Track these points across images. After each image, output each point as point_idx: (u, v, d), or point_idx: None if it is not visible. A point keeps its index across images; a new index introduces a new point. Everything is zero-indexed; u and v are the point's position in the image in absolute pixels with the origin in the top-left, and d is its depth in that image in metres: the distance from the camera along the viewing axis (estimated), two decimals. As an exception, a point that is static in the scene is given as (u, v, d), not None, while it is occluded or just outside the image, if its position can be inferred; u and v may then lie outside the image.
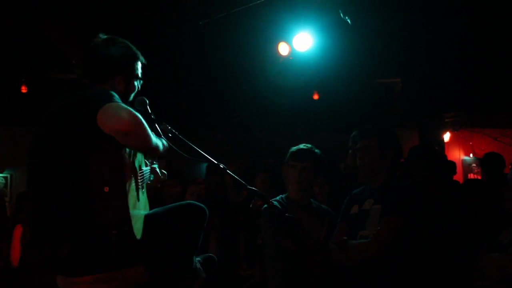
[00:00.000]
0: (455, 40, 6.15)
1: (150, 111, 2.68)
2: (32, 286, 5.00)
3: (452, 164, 6.03)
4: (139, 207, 2.57)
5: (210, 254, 3.15)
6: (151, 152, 2.57)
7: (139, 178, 2.64)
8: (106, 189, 2.28)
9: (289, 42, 5.97)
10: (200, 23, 5.42)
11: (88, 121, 2.30)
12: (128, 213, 2.33)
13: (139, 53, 2.77)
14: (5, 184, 9.52)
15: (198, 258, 2.92)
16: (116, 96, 2.43)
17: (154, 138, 2.50)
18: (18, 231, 5.30)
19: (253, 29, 5.85)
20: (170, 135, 2.71)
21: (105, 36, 2.72)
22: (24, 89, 7.60)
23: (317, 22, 5.66)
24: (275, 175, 5.31)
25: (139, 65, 2.78)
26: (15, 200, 6.79)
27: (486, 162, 5.94)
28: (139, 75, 2.78)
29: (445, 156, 6.24)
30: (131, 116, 2.31)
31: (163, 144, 2.64)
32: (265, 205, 3.61)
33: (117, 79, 2.67)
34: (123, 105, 2.37)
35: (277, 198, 3.87)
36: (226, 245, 5.20)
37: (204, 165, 5.89)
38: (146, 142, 2.41)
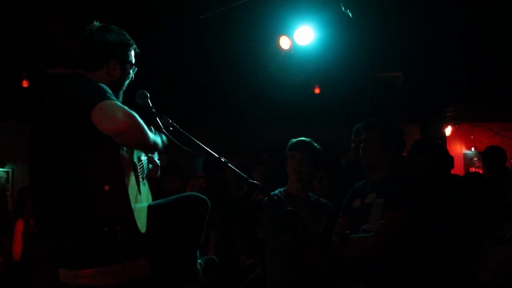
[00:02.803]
0: (456, 34, 6.13)
1: (151, 105, 2.68)
2: (33, 280, 5.02)
3: (451, 158, 5.99)
4: (141, 200, 2.57)
5: (212, 257, 3.14)
6: (149, 150, 2.57)
7: (138, 170, 2.64)
8: (107, 188, 2.28)
9: (290, 36, 5.96)
10: (201, 17, 5.41)
11: (83, 118, 2.28)
12: (131, 209, 2.33)
13: (133, 41, 2.77)
14: (7, 179, 9.53)
15: (199, 260, 2.91)
16: (109, 92, 2.40)
17: (152, 135, 2.49)
18: (19, 226, 5.32)
19: (254, 22, 5.84)
20: (171, 128, 2.70)
21: (99, 24, 2.73)
22: (25, 84, 7.60)
23: (318, 16, 5.65)
24: (272, 169, 5.35)
25: (133, 53, 2.78)
26: (16, 195, 6.81)
27: (488, 155, 5.93)
28: (133, 62, 2.77)
29: (447, 151, 6.22)
30: (126, 115, 2.28)
31: (162, 139, 2.64)
32: (266, 198, 3.61)
33: (112, 64, 2.66)
34: (118, 103, 2.35)
35: (276, 191, 3.86)
36: (226, 238, 5.21)
37: (202, 160, 5.89)
38: (143, 140, 2.40)
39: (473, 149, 10.50)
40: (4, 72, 7.36)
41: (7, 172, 9.57)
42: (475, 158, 10.45)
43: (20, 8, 5.58)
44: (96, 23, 2.72)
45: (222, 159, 2.76)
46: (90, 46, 2.67)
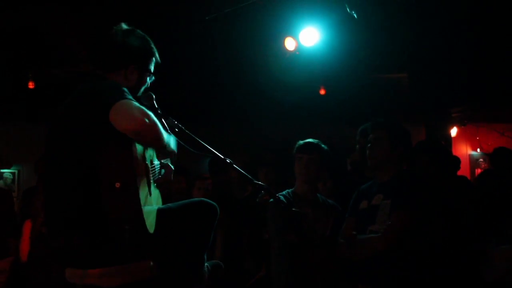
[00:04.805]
0: (461, 35, 6.12)
1: (156, 106, 2.70)
2: (41, 281, 5.02)
3: (457, 160, 5.97)
4: (151, 202, 2.58)
5: (218, 261, 3.15)
6: (162, 150, 2.62)
7: (150, 172, 2.65)
8: (118, 185, 2.29)
9: (295, 37, 5.96)
10: (207, 18, 5.42)
11: (100, 117, 2.31)
12: (140, 208, 2.33)
13: (155, 51, 2.79)
14: (13, 180, 9.55)
15: (206, 264, 2.92)
16: (128, 93, 2.43)
17: (166, 136, 2.54)
18: (27, 226, 5.31)
19: (259, 24, 5.84)
20: (176, 130, 2.72)
21: (127, 27, 2.75)
22: (31, 85, 7.61)
23: (323, 17, 5.65)
24: (277, 169, 5.35)
25: (154, 62, 2.80)
26: (22, 196, 6.82)
27: (496, 157, 5.91)
28: (152, 71, 2.79)
29: (450, 152, 6.20)
30: (144, 115, 2.32)
31: (175, 141, 2.68)
32: (271, 199, 3.62)
33: (130, 68, 2.68)
34: (136, 103, 2.38)
35: (283, 192, 3.87)
36: (232, 240, 5.21)
37: (207, 161, 5.89)
38: (158, 140, 2.46)
39: (478, 150, 10.47)
40: (11, 73, 7.38)
41: (13, 173, 9.59)
42: (481, 159, 10.42)
43: (27, 8, 5.60)
44: (124, 25, 2.74)
45: (227, 160, 2.77)
46: (112, 47, 2.69)
